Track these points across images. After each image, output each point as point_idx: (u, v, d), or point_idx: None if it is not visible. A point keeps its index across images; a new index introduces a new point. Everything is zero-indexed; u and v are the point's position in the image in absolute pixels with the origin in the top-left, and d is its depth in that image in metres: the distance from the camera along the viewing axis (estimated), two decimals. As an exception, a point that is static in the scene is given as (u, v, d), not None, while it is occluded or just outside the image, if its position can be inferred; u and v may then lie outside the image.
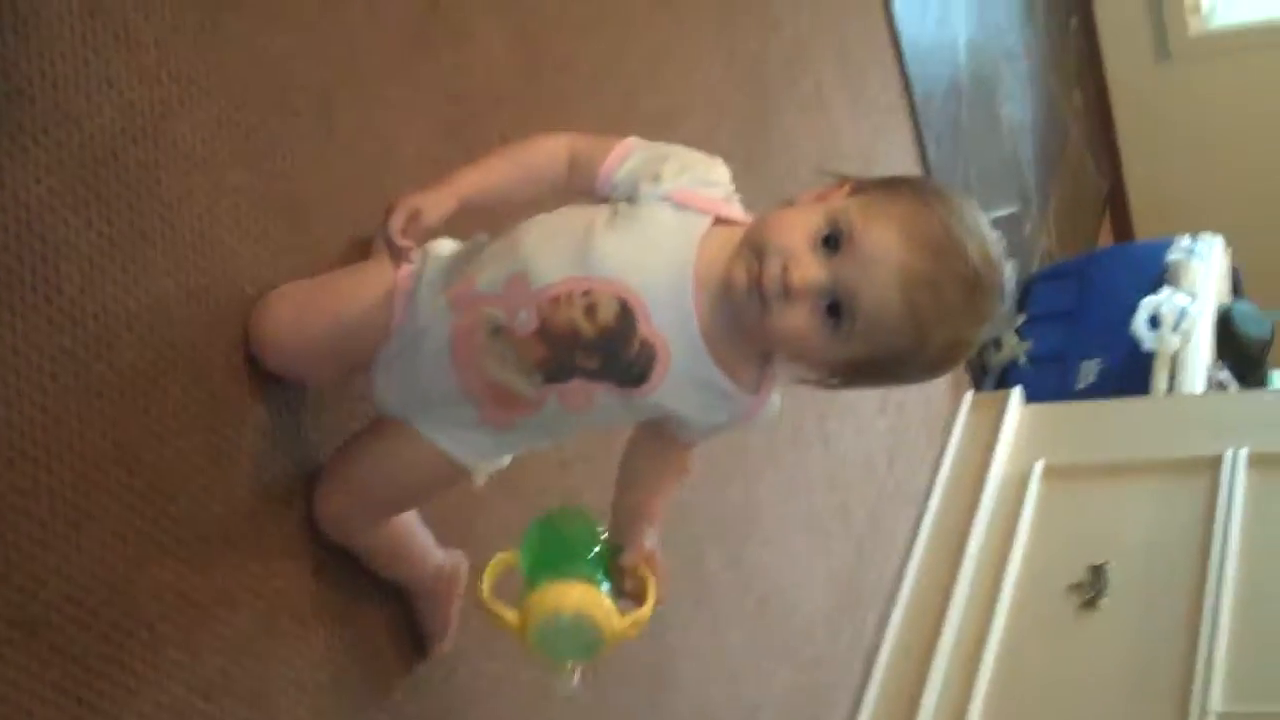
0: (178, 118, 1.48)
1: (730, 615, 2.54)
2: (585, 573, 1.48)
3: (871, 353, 1.42)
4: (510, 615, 1.46)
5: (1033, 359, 4.12)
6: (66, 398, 1.33)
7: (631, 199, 1.46)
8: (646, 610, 1.50)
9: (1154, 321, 4.12)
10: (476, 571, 1.54)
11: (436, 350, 1.51)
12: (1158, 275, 4.41)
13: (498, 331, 1.46)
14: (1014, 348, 4.09)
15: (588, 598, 1.45)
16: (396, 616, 1.74)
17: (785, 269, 1.37)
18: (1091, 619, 3.22)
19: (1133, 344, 4.13)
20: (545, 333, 1.44)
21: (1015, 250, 4.42)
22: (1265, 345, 4.56)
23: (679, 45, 2.63)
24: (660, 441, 1.57)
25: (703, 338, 1.43)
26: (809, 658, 2.82)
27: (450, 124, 1.93)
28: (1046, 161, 5.09)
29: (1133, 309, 4.16)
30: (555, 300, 1.44)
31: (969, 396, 3.90)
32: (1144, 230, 5.96)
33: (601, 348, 1.44)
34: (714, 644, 2.48)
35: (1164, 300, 4.15)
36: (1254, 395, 4.36)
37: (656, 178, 1.46)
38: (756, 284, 1.38)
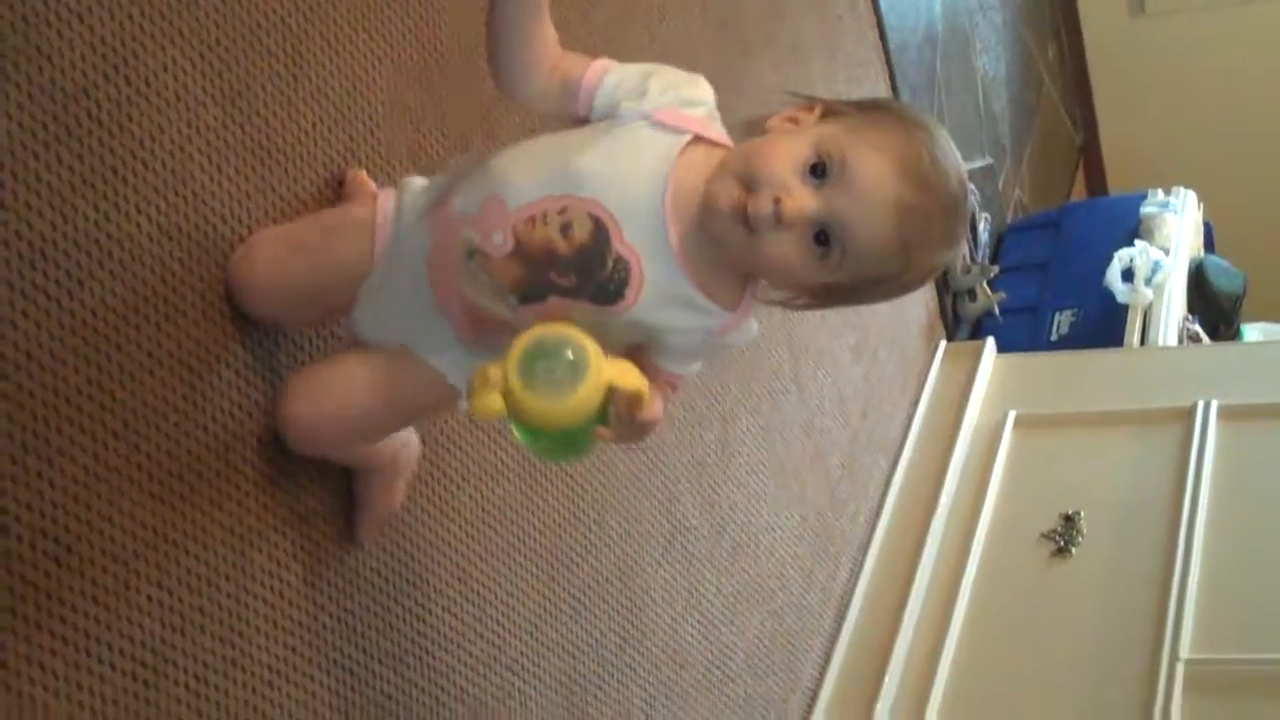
0: (150, 55, 1.47)
1: (704, 559, 2.55)
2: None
3: (856, 278, 1.43)
4: (493, 367, 1.36)
5: (1006, 310, 4.13)
6: (39, 334, 1.33)
7: (612, 117, 1.46)
8: (629, 364, 1.40)
9: (1127, 274, 4.14)
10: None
11: (414, 272, 1.51)
12: (1131, 229, 4.43)
13: (473, 254, 1.46)
14: (987, 298, 4.10)
15: (573, 328, 1.37)
16: (375, 555, 1.74)
17: (778, 200, 1.36)
18: (1063, 567, 3.24)
19: (1106, 296, 4.14)
20: (520, 253, 1.44)
21: (989, 203, 4.45)
22: (1237, 299, 4.58)
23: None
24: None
25: (678, 254, 1.42)
26: (783, 603, 2.83)
27: (420, 71, 1.92)
28: (1021, 114, 5.10)
29: (1106, 262, 4.18)
30: (531, 220, 1.43)
31: (943, 346, 3.91)
32: (1117, 184, 5.97)
33: (577, 265, 1.43)
34: (688, 587, 2.49)
35: (1137, 253, 4.17)
36: (1225, 348, 4.38)
37: (641, 94, 1.45)
38: (741, 212, 1.37)
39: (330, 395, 1.56)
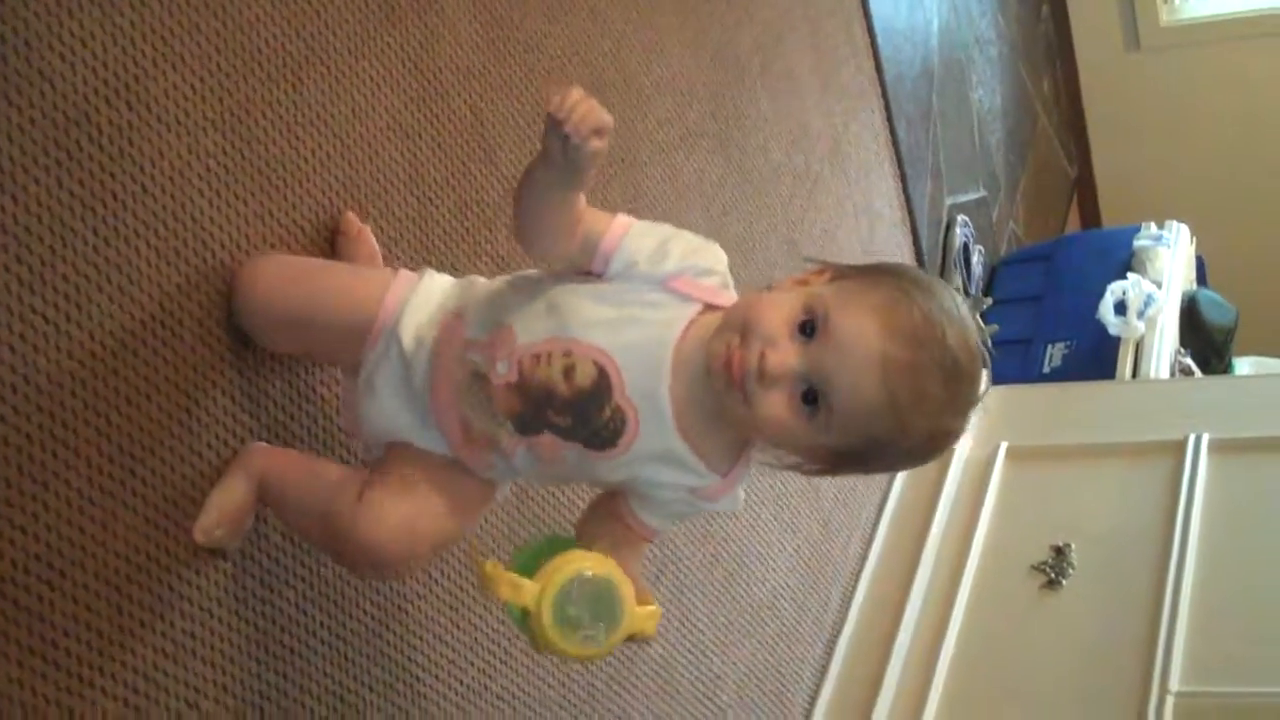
0: (151, 80, 1.48)
1: (696, 587, 2.55)
2: None
3: (850, 441, 1.41)
4: (527, 584, 1.37)
5: (999, 342, 4.14)
6: (36, 358, 1.33)
7: (627, 279, 1.47)
8: (657, 610, 1.44)
9: (1120, 307, 4.14)
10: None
11: (419, 381, 1.52)
12: (1124, 261, 4.43)
13: (477, 377, 1.48)
14: (981, 331, 4.09)
15: (612, 565, 1.40)
16: (368, 582, 1.74)
17: (762, 354, 1.37)
18: (1054, 599, 3.24)
19: (1098, 329, 4.15)
20: (522, 386, 1.46)
21: (983, 235, 4.46)
22: (1229, 332, 4.59)
23: (646, 29, 2.63)
24: (619, 524, 1.55)
25: (674, 414, 1.44)
26: (774, 632, 2.83)
27: (418, 96, 1.93)
28: (1016, 147, 5.11)
29: (1099, 294, 4.18)
30: (536, 358, 1.45)
31: (936, 378, 3.90)
32: (1111, 217, 5.99)
33: (575, 409, 1.45)
34: (679, 615, 2.49)
35: (1130, 286, 4.17)
36: (1217, 381, 4.39)
37: (658, 260, 1.46)
38: (728, 366, 1.38)
39: (417, 535, 1.51)
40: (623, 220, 1.49)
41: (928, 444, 1.44)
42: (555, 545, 1.45)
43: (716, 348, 1.40)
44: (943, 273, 4.11)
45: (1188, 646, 3.00)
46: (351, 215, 1.75)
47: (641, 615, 1.40)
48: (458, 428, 1.51)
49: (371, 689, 1.74)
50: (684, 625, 2.50)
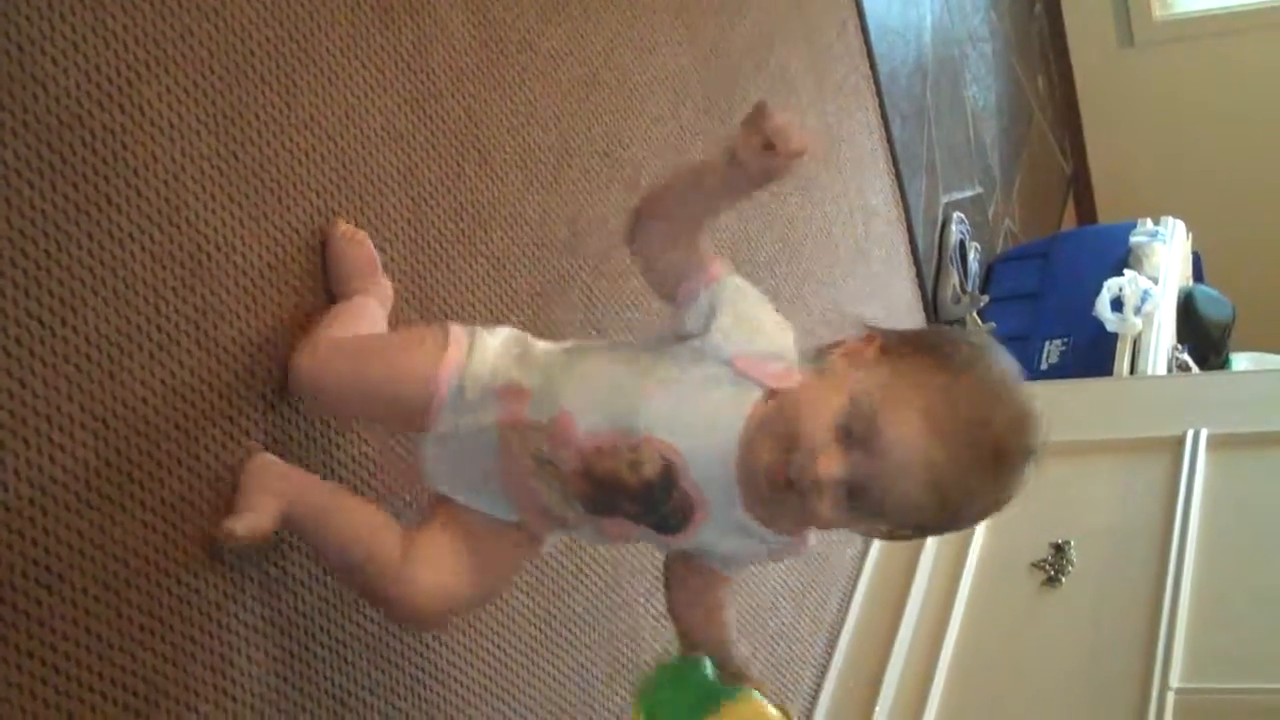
0: (144, 83, 1.48)
1: (695, 590, 2.55)
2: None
3: (905, 527, 1.45)
4: None
5: (996, 339, 4.13)
6: (32, 362, 1.33)
7: (698, 344, 1.46)
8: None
9: (1117, 304, 4.14)
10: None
11: (485, 457, 1.53)
12: (1120, 258, 4.43)
13: (544, 462, 1.49)
14: (978, 328, 4.10)
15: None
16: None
17: (809, 465, 1.37)
18: (1054, 596, 3.24)
19: (1095, 325, 4.14)
20: (589, 475, 1.47)
21: (979, 232, 4.46)
22: (1226, 328, 4.59)
23: (640, 28, 2.63)
24: (701, 578, 1.58)
25: (743, 500, 1.45)
26: (774, 631, 2.83)
27: (411, 98, 1.93)
28: (1011, 144, 5.11)
29: (1096, 291, 4.18)
30: (599, 450, 1.45)
31: (933, 376, 3.90)
32: (1107, 214, 5.98)
33: (643, 498, 1.46)
34: (679, 618, 2.48)
35: (1127, 283, 4.17)
36: (1215, 377, 4.39)
37: (726, 335, 1.44)
38: (777, 478, 1.39)
39: (457, 600, 1.56)
40: (717, 268, 1.48)
41: (985, 516, 1.46)
42: (685, 675, 1.50)
43: (765, 460, 1.40)
44: (939, 270, 4.11)
45: (1188, 643, 3.00)
46: (342, 223, 1.75)
47: None
48: (529, 501, 1.54)
49: (372, 692, 1.73)
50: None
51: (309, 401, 1.65)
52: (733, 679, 1.51)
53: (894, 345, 1.44)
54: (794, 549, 1.53)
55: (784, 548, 1.52)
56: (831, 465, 1.37)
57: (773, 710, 1.46)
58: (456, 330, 1.59)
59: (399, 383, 1.57)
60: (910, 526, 1.44)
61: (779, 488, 1.40)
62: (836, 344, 1.48)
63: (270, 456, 1.59)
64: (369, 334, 1.67)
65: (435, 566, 1.52)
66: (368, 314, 1.70)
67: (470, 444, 1.54)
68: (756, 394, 1.43)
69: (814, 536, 1.54)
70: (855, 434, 1.37)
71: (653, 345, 1.51)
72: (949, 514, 1.41)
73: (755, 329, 1.46)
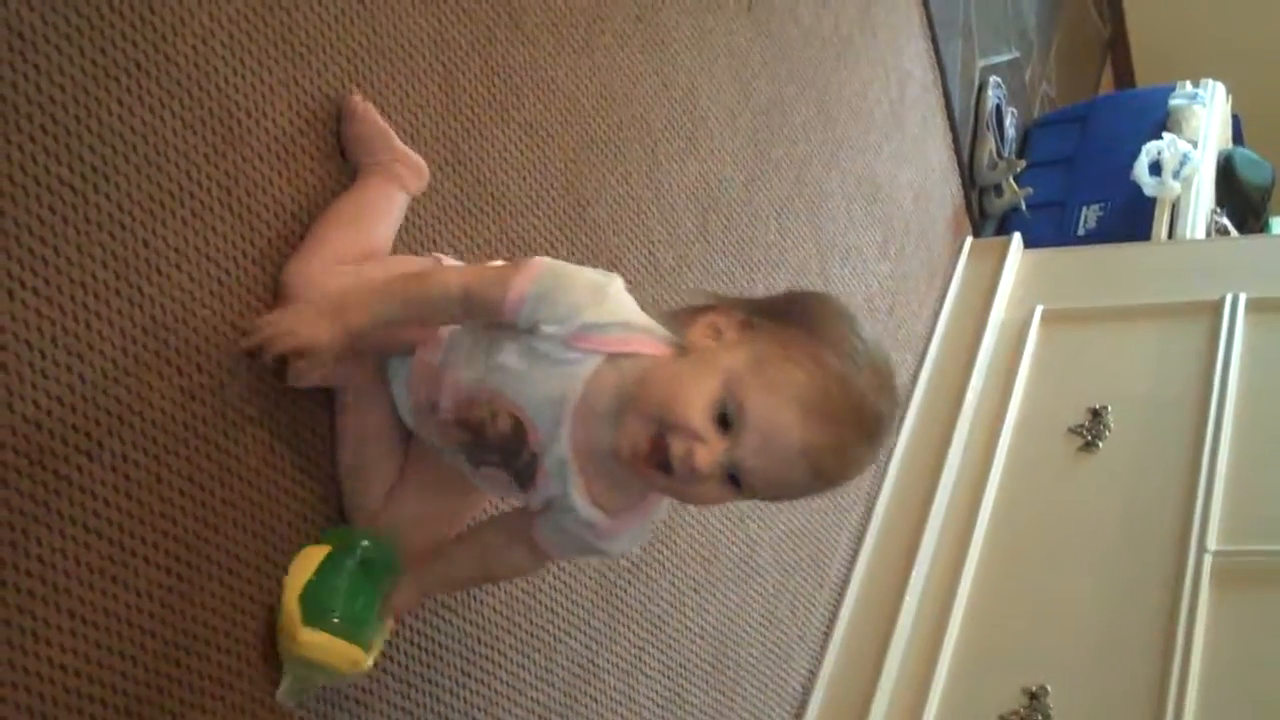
0: (170, -55, 1.46)
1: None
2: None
3: (780, 498, 1.53)
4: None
5: (1032, 205, 4.10)
6: (65, 229, 1.32)
7: (534, 333, 1.46)
8: (366, 660, 1.53)
9: (1155, 167, 4.10)
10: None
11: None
12: (1159, 121, 4.38)
13: (432, 409, 1.56)
14: (1014, 193, 4.07)
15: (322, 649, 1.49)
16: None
17: (691, 452, 1.38)
18: (1091, 461, 3.24)
19: (1133, 190, 4.11)
20: (461, 423, 1.53)
21: (1015, 97, 4.41)
22: (1266, 191, 4.55)
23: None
24: (523, 545, 1.61)
25: (576, 470, 1.48)
26: (812, 505, 2.84)
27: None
28: (1048, 7, 5.04)
29: (1133, 155, 4.14)
30: (469, 401, 1.51)
31: (969, 242, 3.89)
32: (1145, 77, 5.91)
33: (500, 450, 1.51)
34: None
35: (1165, 146, 4.13)
36: (1253, 240, 4.36)
37: (559, 319, 1.45)
38: (648, 460, 1.40)
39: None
40: (526, 273, 1.47)
41: (859, 475, 1.50)
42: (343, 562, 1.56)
43: (632, 441, 1.41)
44: (975, 136, 4.06)
45: (1225, 506, 3.01)
46: (352, 98, 1.71)
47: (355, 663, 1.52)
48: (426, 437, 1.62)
49: (388, 700, 1.74)
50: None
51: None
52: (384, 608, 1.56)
53: (755, 320, 1.46)
54: (614, 535, 1.54)
55: (604, 530, 1.53)
56: (712, 455, 1.38)
57: (344, 650, 1.50)
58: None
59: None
60: (786, 498, 1.49)
61: (651, 467, 1.41)
62: (694, 313, 1.49)
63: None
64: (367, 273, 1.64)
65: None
66: (368, 207, 1.68)
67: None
68: (592, 362, 1.45)
69: (637, 537, 1.59)
70: (732, 420, 1.38)
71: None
72: (827, 484, 1.45)
73: (578, 305, 1.45)
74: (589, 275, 1.48)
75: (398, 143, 1.72)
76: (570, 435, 1.46)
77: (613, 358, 1.45)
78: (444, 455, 1.61)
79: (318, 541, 1.56)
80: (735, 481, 1.41)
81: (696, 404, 1.38)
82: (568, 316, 1.44)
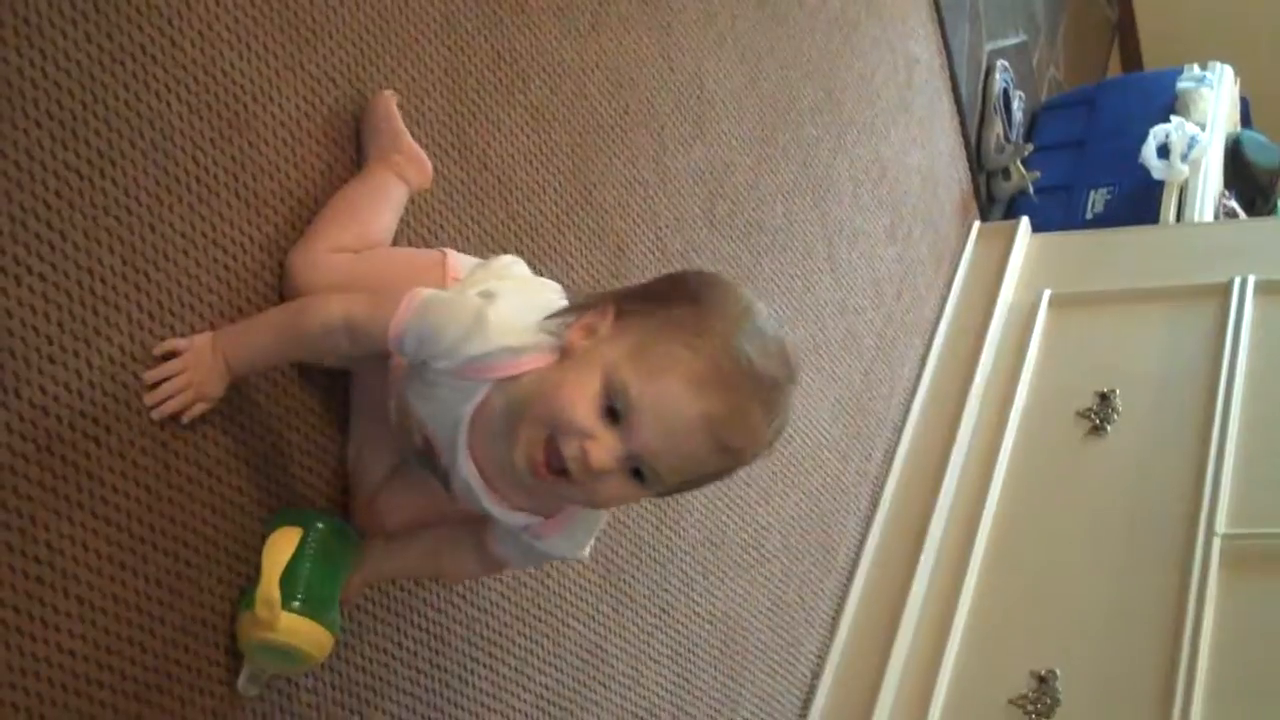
0: (175, -70, 1.45)
1: (739, 441, 2.55)
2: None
3: (689, 482, 1.44)
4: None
5: (1040, 188, 4.09)
6: (72, 214, 1.32)
7: (421, 369, 1.44)
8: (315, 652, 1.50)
9: (1163, 150, 4.09)
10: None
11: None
12: (1167, 104, 4.37)
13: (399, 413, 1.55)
14: (1022, 177, 4.06)
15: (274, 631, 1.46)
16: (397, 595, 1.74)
17: (584, 450, 1.35)
18: (1099, 445, 3.24)
19: (1141, 173, 4.10)
20: (397, 428, 1.54)
21: (1023, 81, 4.40)
22: (1274, 174, 4.53)
23: None
24: (473, 549, 1.61)
25: (481, 481, 1.47)
26: (818, 484, 2.84)
27: (451, -57, 1.90)
28: (1055, -10, 5.03)
29: (1141, 138, 4.13)
30: (401, 409, 1.52)
31: (976, 226, 3.88)
32: (1153, 60, 5.90)
33: (423, 459, 1.53)
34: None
35: (1173, 129, 4.11)
36: (1262, 223, 4.35)
37: (445, 358, 1.41)
38: (549, 466, 1.37)
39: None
40: (399, 319, 1.43)
41: (769, 446, 1.45)
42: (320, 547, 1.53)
43: (527, 452, 1.38)
44: (982, 119, 4.06)
45: (1234, 489, 3.00)
46: (388, 92, 1.72)
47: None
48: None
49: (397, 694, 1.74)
50: (728, 479, 2.49)
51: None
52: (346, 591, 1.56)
53: (627, 309, 1.42)
54: (553, 535, 1.53)
55: (541, 530, 1.52)
56: (610, 449, 1.35)
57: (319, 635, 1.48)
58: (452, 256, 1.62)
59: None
60: (696, 481, 1.44)
61: (551, 475, 1.38)
62: (576, 312, 1.46)
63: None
64: (369, 260, 1.62)
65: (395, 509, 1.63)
66: (369, 196, 1.66)
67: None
68: (481, 389, 1.43)
69: (583, 543, 1.57)
70: (621, 411, 1.35)
71: None
72: (733, 458, 1.41)
73: (465, 335, 1.41)
74: (467, 304, 1.44)
75: (405, 136, 1.71)
76: (468, 458, 1.45)
77: (500, 383, 1.42)
78: None
79: (266, 522, 1.53)
80: (639, 475, 1.38)
81: (580, 403, 1.35)
82: (450, 353, 1.41)
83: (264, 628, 1.43)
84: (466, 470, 1.45)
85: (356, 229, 1.62)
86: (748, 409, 1.36)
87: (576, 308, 1.46)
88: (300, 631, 1.45)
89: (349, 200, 1.65)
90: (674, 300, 1.41)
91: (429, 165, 1.74)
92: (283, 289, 1.56)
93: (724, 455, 1.39)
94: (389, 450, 1.64)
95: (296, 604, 1.45)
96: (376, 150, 1.70)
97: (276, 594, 1.43)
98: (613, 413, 1.35)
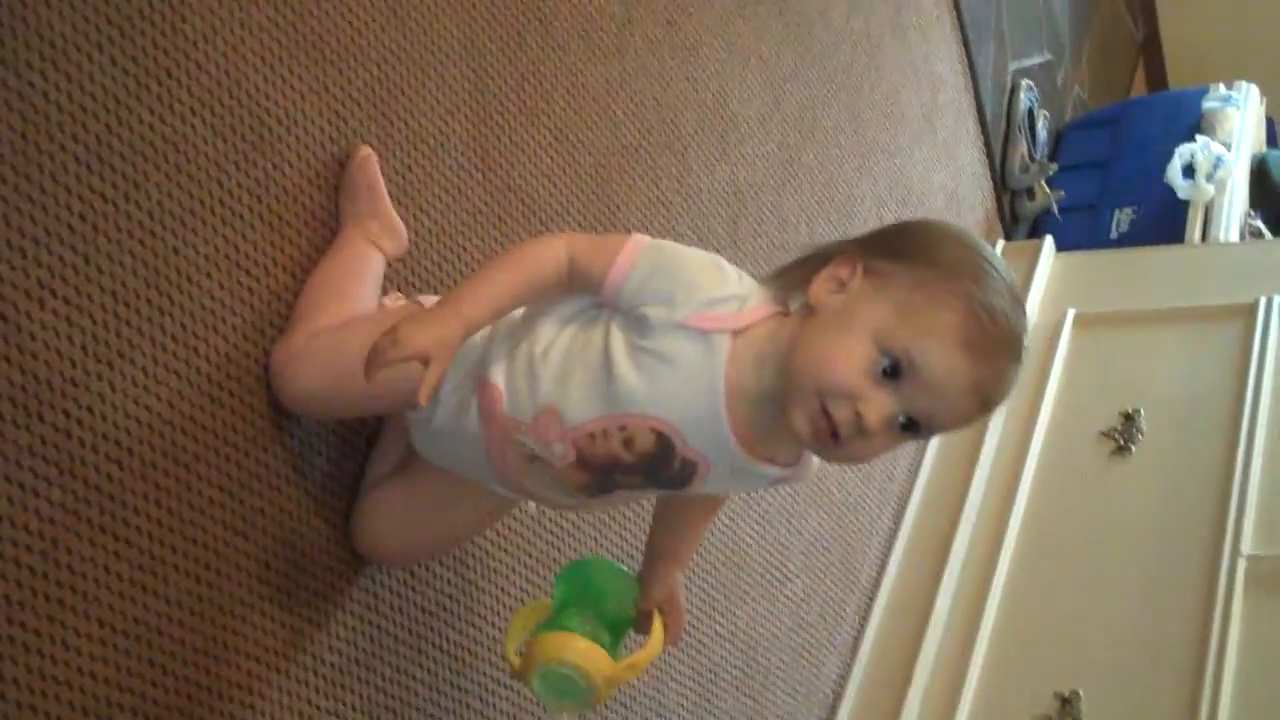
0: (200, -46, 1.46)
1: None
2: (602, 615, 1.54)
3: (944, 431, 1.47)
4: (515, 660, 1.54)
5: (1065, 208, 4.08)
6: (96, 238, 1.33)
7: (643, 324, 1.41)
8: (644, 656, 1.55)
9: (1188, 170, 4.08)
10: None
11: (470, 447, 1.52)
12: (1192, 124, 4.36)
13: (533, 459, 1.48)
14: (1046, 197, 4.05)
15: (584, 652, 1.49)
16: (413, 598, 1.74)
17: (858, 413, 1.36)
18: (1123, 465, 3.22)
19: (1166, 192, 4.09)
20: (584, 462, 1.46)
21: (1048, 100, 4.39)
22: (1300, 193, 4.52)
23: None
24: (695, 505, 1.61)
25: (742, 448, 1.44)
26: (840, 503, 2.83)
27: (475, -35, 1.90)
28: (1080, 9, 5.01)
29: (1167, 158, 4.12)
30: (591, 436, 1.44)
31: (1001, 245, 3.88)
32: (1178, 79, 5.88)
33: (643, 469, 1.46)
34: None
35: (1199, 149, 4.10)
36: (1288, 243, 4.33)
37: (668, 304, 1.40)
38: (825, 432, 1.38)
39: (409, 554, 1.67)
40: (630, 248, 1.43)
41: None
42: (583, 578, 1.60)
43: (803, 424, 1.38)
44: (1007, 139, 4.05)
45: (1259, 510, 2.99)
46: (365, 147, 1.68)
47: (615, 674, 1.51)
48: (527, 491, 1.57)
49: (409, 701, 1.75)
50: (749, 497, 2.49)
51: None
52: (643, 616, 1.59)
53: (877, 265, 1.41)
54: (798, 477, 1.54)
55: (785, 479, 1.53)
56: (884, 407, 1.37)
57: (583, 646, 1.50)
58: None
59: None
60: (949, 430, 1.46)
61: (828, 443, 1.39)
62: (804, 268, 1.45)
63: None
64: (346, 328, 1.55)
65: (386, 529, 1.61)
66: (346, 272, 1.61)
67: (453, 436, 1.53)
68: (724, 340, 1.41)
69: (816, 461, 1.54)
70: (900, 372, 1.36)
71: (600, 317, 1.46)
72: (989, 410, 1.43)
73: (690, 285, 1.41)
74: (698, 251, 1.46)
75: (385, 202, 1.66)
76: (730, 424, 1.42)
77: (737, 333, 1.41)
78: (529, 495, 1.60)
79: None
80: (909, 427, 1.40)
81: (853, 367, 1.36)
82: (686, 290, 1.40)
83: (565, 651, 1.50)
84: (729, 441, 1.43)
85: (337, 309, 1.56)
86: (1009, 368, 1.40)
87: (803, 261, 1.47)
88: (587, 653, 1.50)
89: (327, 281, 1.59)
90: (915, 254, 1.42)
91: (404, 234, 1.69)
92: (270, 385, 1.52)
93: (984, 409, 1.42)
94: (399, 443, 1.64)
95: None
96: (352, 214, 1.64)
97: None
98: (888, 372, 1.37)
